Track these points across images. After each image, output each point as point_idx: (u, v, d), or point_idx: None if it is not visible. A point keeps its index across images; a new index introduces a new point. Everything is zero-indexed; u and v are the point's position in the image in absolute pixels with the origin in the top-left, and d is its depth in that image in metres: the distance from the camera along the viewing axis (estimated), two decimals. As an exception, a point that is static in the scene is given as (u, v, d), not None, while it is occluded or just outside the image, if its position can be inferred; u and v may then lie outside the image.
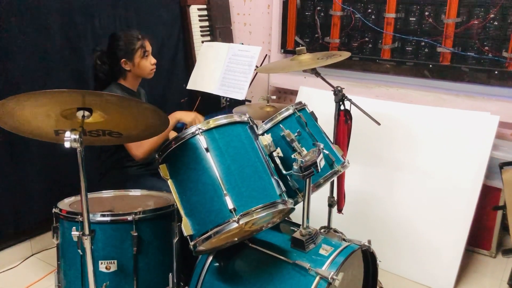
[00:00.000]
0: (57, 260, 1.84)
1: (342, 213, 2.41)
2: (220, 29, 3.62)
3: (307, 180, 1.67)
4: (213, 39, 3.55)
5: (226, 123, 1.64)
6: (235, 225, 1.50)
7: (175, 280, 1.83)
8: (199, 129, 1.60)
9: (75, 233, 1.52)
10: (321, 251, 1.75)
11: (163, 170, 1.65)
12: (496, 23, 2.66)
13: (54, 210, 1.79)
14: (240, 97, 2.80)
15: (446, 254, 2.55)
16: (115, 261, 1.69)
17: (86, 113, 1.45)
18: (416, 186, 2.72)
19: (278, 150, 1.76)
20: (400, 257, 2.64)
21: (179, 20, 3.43)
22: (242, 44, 2.93)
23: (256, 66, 2.88)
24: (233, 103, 2.99)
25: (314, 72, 2.21)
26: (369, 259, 1.93)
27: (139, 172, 2.45)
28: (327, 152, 1.86)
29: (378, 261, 1.93)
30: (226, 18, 3.73)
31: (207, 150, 1.58)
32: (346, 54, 2.21)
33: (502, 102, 2.82)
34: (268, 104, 2.58)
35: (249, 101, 3.09)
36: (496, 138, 2.65)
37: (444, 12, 2.78)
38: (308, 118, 1.94)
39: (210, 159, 1.57)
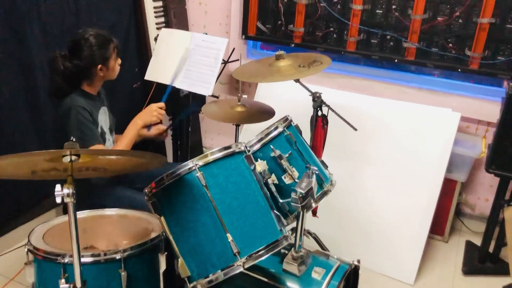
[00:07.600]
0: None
1: (317, 216, 2.42)
2: (175, 9, 3.38)
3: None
4: (168, 20, 3.31)
5: (223, 155, 1.53)
6: (241, 269, 1.44)
7: (162, 309, 1.75)
8: (196, 164, 1.49)
9: (64, 286, 1.38)
10: (314, 275, 1.74)
11: (154, 207, 1.53)
12: (461, 21, 2.69)
13: (27, 247, 1.62)
14: (207, 92, 2.64)
15: (409, 245, 2.67)
16: (103, 301, 1.57)
17: (74, 157, 1.30)
18: (380, 178, 2.78)
19: (273, 177, 1.69)
20: (368, 249, 2.72)
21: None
22: (206, 34, 2.74)
23: (223, 60, 2.73)
24: (196, 96, 2.82)
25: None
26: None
27: (104, 182, 2.28)
28: (317, 172, 1.82)
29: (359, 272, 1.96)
30: (180, -3, 3.48)
31: (206, 187, 1.48)
32: (327, 61, 2.15)
33: (462, 98, 2.92)
34: (239, 103, 2.46)
35: (216, 96, 2.94)
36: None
37: (412, 7, 2.76)
38: (296, 135, 1.87)
39: (210, 197, 1.47)
